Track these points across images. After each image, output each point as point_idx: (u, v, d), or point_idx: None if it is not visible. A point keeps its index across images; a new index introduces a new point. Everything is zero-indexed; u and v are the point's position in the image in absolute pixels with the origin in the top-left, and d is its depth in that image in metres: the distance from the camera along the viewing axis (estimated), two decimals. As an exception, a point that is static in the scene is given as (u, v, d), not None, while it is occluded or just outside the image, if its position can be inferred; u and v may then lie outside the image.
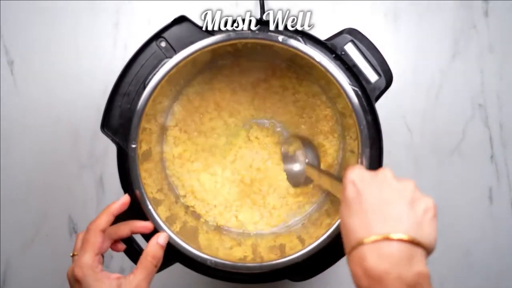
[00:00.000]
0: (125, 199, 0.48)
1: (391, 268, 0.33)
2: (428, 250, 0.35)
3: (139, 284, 0.44)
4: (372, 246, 0.34)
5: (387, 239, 0.34)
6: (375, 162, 0.51)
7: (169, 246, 0.50)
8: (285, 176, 0.61)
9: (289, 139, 0.60)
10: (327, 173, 0.52)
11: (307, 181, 0.58)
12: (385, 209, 0.35)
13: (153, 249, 0.46)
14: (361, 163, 0.50)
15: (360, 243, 0.34)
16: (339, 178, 0.48)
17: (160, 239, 0.47)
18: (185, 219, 0.57)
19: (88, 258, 0.43)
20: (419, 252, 0.34)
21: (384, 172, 0.38)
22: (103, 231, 0.45)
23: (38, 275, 0.68)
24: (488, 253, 0.69)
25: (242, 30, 0.50)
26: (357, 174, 0.38)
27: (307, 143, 0.59)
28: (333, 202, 0.56)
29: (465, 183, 0.69)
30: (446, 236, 0.68)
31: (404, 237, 0.34)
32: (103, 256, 0.46)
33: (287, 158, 0.60)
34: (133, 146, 0.50)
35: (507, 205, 0.69)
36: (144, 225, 0.49)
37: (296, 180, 0.59)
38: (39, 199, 0.68)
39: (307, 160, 0.57)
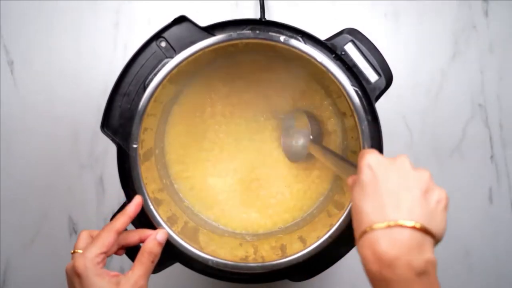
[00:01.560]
0: (138, 199, 0.48)
1: (402, 254, 0.33)
2: (436, 239, 0.36)
3: (137, 281, 0.43)
4: (384, 231, 0.34)
5: (400, 226, 0.34)
6: (375, 162, 0.51)
7: (170, 246, 0.50)
8: (287, 176, 0.61)
9: (294, 113, 0.60)
10: (331, 152, 0.52)
11: (308, 157, 0.57)
12: (400, 195, 0.35)
13: (150, 245, 0.46)
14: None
15: (373, 228, 0.35)
16: (345, 159, 0.48)
17: (158, 236, 0.47)
18: (186, 219, 0.57)
19: (94, 252, 0.43)
20: (429, 240, 0.35)
21: (402, 159, 0.38)
22: (118, 232, 0.45)
23: (38, 275, 0.68)
24: (487, 254, 0.69)
25: (243, 30, 0.51)
26: (375, 159, 0.38)
27: (312, 119, 0.58)
28: (335, 202, 0.56)
29: (465, 183, 0.69)
30: (446, 236, 0.68)
31: (417, 225, 0.34)
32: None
33: (288, 132, 0.60)
34: (134, 146, 0.50)
35: (507, 205, 0.69)
36: (154, 231, 0.48)
37: (296, 156, 0.59)
38: (39, 199, 0.68)
39: (311, 137, 0.56)
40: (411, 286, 0.33)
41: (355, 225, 0.37)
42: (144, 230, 0.48)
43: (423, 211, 0.35)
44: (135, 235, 0.48)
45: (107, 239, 0.44)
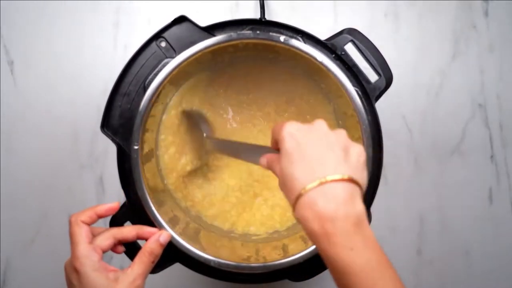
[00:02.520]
0: (114, 204, 0.47)
1: (339, 207, 0.35)
2: (362, 190, 0.37)
3: (136, 279, 0.44)
4: (318, 190, 0.36)
5: (331, 181, 0.36)
6: (376, 161, 0.51)
7: (171, 247, 0.50)
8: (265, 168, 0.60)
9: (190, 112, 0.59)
10: (232, 142, 0.53)
11: (208, 152, 0.58)
12: (325, 155, 0.37)
13: (153, 245, 0.47)
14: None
15: (306, 189, 0.36)
16: (250, 144, 0.51)
17: (161, 238, 0.47)
18: (188, 220, 0.57)
19: (82, 248, 0.43)
20: (357, 191, 0.37)
21: (319, 123, 0.40)
22: (85, 223, 0.45)
23: (38, 275, 0.68)
24: (488, 253, 0.69)
25: (243, 30, 0.51)
26: (294, 127, 0.39)
27: (199, 117, 0.59)
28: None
29: (465, 183, 0.69)
30: (445, 236, 0.69)
31: (345, 176, 0.36)
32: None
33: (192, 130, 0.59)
34: (136, 147, 0.50)
35: (507, 205, 0.69)
36: (152, 232, 0.48)
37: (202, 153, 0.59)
38: (39, 199, 0.68)
39: (205, 134, 0.57)
40: (351, 237, 0.35)
41: (287, 193, 0.38)
42: (141, 227, 0.48)
43: (347, 164, 0.37)
44: (132, 230, 0.47)
45: (80, 230, 0.44)
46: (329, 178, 0.36)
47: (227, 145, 0.55)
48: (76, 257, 0.43)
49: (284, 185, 0.39)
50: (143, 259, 0.45)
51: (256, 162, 0.45)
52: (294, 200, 0.37)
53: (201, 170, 0.60)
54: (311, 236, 0.36)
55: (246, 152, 0.49)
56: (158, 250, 0.47)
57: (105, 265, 0.43)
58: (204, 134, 0.57)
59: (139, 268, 0.44)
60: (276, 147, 0.41)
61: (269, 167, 0.43)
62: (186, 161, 0.59)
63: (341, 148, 0.38)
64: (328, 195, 0.35)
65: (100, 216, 0.46)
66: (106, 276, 0.42)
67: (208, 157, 0.60)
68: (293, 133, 0.39)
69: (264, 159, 0.43)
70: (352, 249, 0.35)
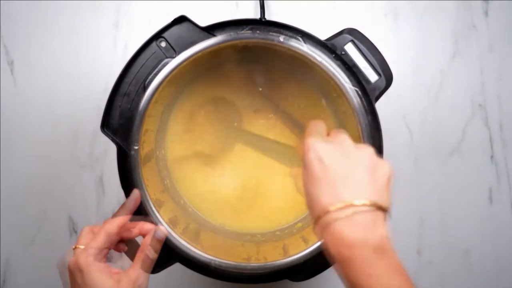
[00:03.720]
0: (136, 194, 0.48)
1: (357, 232, 0.34)
2: (386, 212, 0.36)
3: (138, 278, 0.44)
4: (338, 213, 0.35)
5: (352, 205, 0.35)
6: (376, 162, 0.51)
7: (172, 248, 0.50)
8: (288, 176, 0.60)
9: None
10: (264, 138, 0.54)
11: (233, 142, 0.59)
12: (348, 176, 0.36)
13: (150, 243, 0.47)
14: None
15: (326, 211, 0.35)
16: (280, 144, 0.50)
17: (157, 234, 0.47)
18: (188, 220, 0.57)
19: (96, 248, 0.44)
20: (381, 215, 0.35)
21: (342, 138, 0.39)
22: (119, 227, 0.45)
23: (38, 275, 0.68)
24: (488, 253, 0.69)
25: (243, 30, 0.51)
26: (316, 141, 0.38)
27: (231, 105, 0.59)
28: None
29: (465, 183, 0.69)
30: (445, 236, 0.69)
31: (367, 202, 0.35)
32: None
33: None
34: (135, 147, 0.50)
35: (507, 205, 0.69)
36: (150, 228, 0.48)
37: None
38: (39, 199, 0.68)
39: (235, 124, 0.58)
40: (371, 263, 0.34)
41: (309, 211, 0.37)
42: (142, 223, 0.49)
43: (372, 187, 0.36)
44: (133, 227, 0.48)
45: (109, 234, 0.44)
46: (350, 202, 0.35)
47: (258, 139, 0.54)
48: (86, 253, 0.43)
49: (306, 201, 0.38)
50: (142, 258, 0.46)
51: (286, 165, 0.44)
52: (315, 221, 0.36)
53: (202, 166, 0.60)
54: (331, 258, 0.36)
55: (275, 152, 0.49)
56: (156, 247, 0.47)
57: (109, 268, 0.44)
58: (235, 124, 0.57)
59: (139, 267, 0.45)
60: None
61: (295, 180, 0.42)
62: (201, 146, 0.59)
63: (367, 168, 0.36)
64: (347, 220, 0.34)
65: (132, 211, 0.48)
66: (109, 277, 0.43)
67: (229, 148, 0.59)
68: (315, 148, 0.38)
69: (292, 171, 0.43)
70: (372, 276, 0.34)
